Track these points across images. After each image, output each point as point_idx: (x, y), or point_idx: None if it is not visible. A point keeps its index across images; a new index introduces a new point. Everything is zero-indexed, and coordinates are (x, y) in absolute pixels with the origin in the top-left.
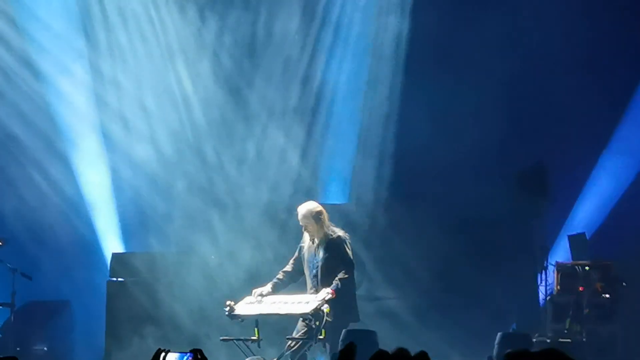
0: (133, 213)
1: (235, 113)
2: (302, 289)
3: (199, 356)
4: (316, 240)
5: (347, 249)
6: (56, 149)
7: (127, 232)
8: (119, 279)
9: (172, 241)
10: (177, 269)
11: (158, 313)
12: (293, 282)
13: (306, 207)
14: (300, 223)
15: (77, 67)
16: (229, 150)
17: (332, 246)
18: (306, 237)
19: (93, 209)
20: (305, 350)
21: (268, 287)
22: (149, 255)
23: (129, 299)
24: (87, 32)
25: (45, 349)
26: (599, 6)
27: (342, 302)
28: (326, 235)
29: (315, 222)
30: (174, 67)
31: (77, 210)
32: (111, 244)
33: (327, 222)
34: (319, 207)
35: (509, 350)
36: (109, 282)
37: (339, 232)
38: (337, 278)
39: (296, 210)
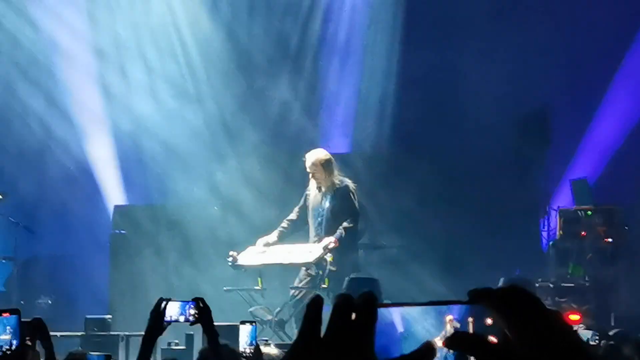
0: (134, 165)
1: (235, 63)
2: (306, 237)
3: (201, 304)
4: (323, 189)
5: (353, 199)
6: (57, 103)
7: (129, 184)
8: (122, 231)
9: (173, 192)
10: (179, 220)
11: (161, 264)
12: (298, 231)
13: (315, 155)
14: (308, 170)
15: (76, 19)
16: (230, 101)
17: (339, 195)
18: (312, 184)
19: (94, 161)
20: (308, 299)
21: (273, 236)
22: (151, 207)
23: (132, 251)
24: None
25: (50, 302)
26: None
27: (345, 251)
28: (333, 184)
29: (324, 169)
30: (173, 17)
31: (78, 163)
32: (113, 196)
33: (335, 170)
34: (328, 155)
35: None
36: (112, 235)
37: (347, 182)
38: (341, 227)
39: (304, 157)
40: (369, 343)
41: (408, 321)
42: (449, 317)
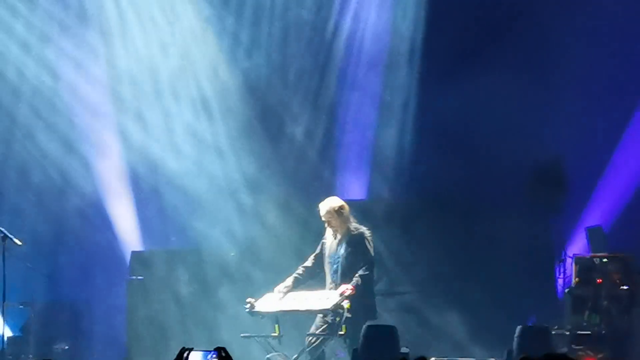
0: (152, 211)
1: (252, 110)
2: (322, 285)
3: (223, 354)
4: (338, 236)
5: (368, 246)
6: (74, 148)
7: (146, 230)
8: (139, 277)
9: (191, 238)
10: (197, 265)
11: (179, 310)
12: (312, 278)
13: (329, 203)
14: (323, 219)
15: (93, 64)
16: (248, 148)
17: (354, 242)
18: (329, 232)
19: (112, 207)
20: (325, 346)
21: (288, 282)
22: (168, 253)
23: (149, 296)
24: (103, 29)
25: (67, 347)
26: None
27: (362, 298)
28: (349, 230)
29: (338, 217)
30: (191, 64)
31: (96, 209)
32: (130, 242)
33: (349, 217)
34: (341, 202)
35: (523, 355)
36: (129, 281)
37: (362, 229)
38: (357, 274)
39: (318, 207)
40: None
41: None
42: None
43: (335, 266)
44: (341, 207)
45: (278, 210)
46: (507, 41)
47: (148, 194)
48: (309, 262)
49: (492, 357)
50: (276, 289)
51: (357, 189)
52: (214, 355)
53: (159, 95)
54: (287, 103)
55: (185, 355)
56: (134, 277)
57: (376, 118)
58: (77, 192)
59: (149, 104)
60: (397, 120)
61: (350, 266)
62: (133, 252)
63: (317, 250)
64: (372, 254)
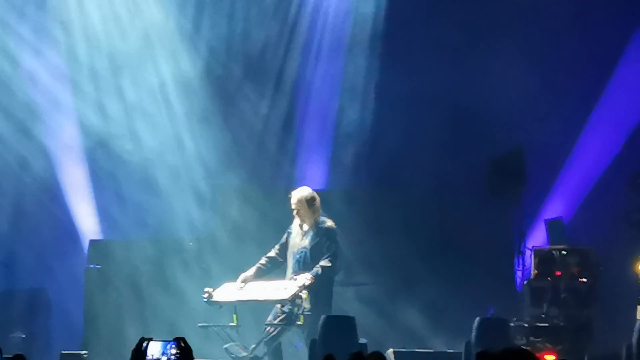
0: (111, 200)
1: (212, 100)
2: (283, 275)
3: (182, 344)
4: (305, 227)
5: (335, 240)
6: (31, 135)
7: (105, 219)
8: (97, 266)
9: (150, 228)
10: (155, 255)
11: (136, 300)
12: (276, 268)
13: (300, 192)
14: (292, 207)
15: (51, 51)
16: (208, 138)
17: (320, 234)
18: (295, 223)
19: (70, 196)
20: (283, 337)
21: (251, 272)
22: (127, 242)
23: (107, 285)
24: (62, 16)
25: (23, 336)
26: None
27: (321, 289)
28: (316, 222)
29: (308, 207)
30: (152, 55)
31: (54, 197)
32: (88, 231)
33: (319, 209)
34: (313, 193)
35: (480, 350)
36: (87, 270)
37: (329, 222)
38: (318, 265)
39: (289, 194)
40: None
41: None
42: None
43: (298, 256)
44: (313, 198)
45: (237, 200)
46: (469, 27)
47: (106, 182)
48: (272, 252)
49: (451, 349)
50: (239, 278)
51: (317, 179)
52: (173, 345)
53: (117, 83)
54: (247, 93)
55: (144, 345)
56: (92, 266)
57: (337, 107)
58: (35, 180)
59: (108, 91)
60: (357, 110)
61: (314, 258)
62: (91, 241)
63: (282, 240)
64: (337, 247)
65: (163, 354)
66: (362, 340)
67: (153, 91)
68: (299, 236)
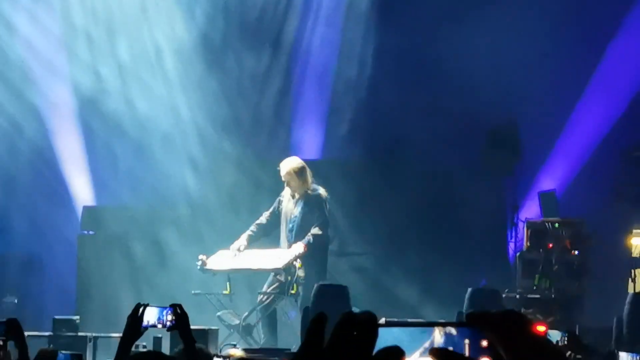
0: (105, 166)
1: (208, 69)
2: (276, 243)
3: (179, 310)
4: (296, 195)
5: (325, 207)
6: (27, 103)
7: (99, 185)
8: (90, 232)
9: (143, 195)
10: (149, 222)
11: (130, 267)
12: (266, 235)
13: (289, 163)
14: (283, 178)
15: (48, 16)
16: (203, 107)
17: (311, 202)
18: (286, 191)
19: (64, 161)
20: (276, 305)
21: (243, 240)
22: (121, 209)
23: (100, 252)
24: None
25: (16, 301)
26: None
27: (314, 257)
28: (307, 191)
29: (298, 178)
30: (146, 17)
31: (48, 162)
32: (82, 197)
33: (309, 178)
34: (302, 163)
35: (470, 310)
36: (80, 235)
37: (320, 190)
38: (310, 233)
39: (278, 165)
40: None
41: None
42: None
43: (290, 225)
44: (302, 168)
45: (231, 168)
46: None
47: (101, 149)
48: (263, 219)
49: (442, 319)
50: (232, 246)
51: (312, 149)
52: (170, 312)
53: (113, 49)
54: (243, 60)
55: (140, 310)
56: (85, 232)
57: (333, 75)
58: (29, 145)
59: (104, 58)
60: (353, 79)
61: (305, 226)
62: (85, 207)
63: (273, 208)
64: (327, 216)
65: (159, 320)
66: (354, 309)
67: (148, 57)
68: (290, 205)
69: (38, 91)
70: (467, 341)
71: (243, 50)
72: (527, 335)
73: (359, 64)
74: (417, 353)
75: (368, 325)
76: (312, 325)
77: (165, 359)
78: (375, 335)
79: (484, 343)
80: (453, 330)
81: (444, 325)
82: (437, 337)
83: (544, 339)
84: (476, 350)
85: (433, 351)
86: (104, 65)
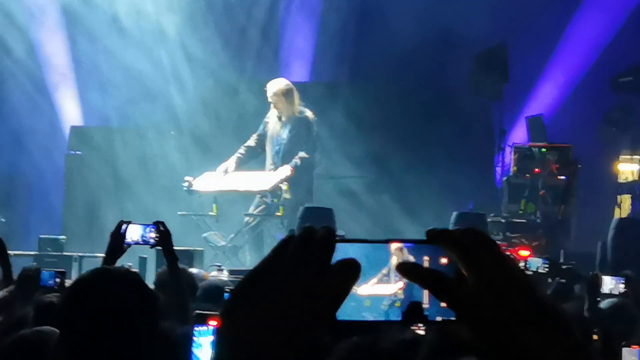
0: (93, 86)
1: None
2: (262, 166)
3: (162, 228)
4: (283, 118)
5: (312, 130)
6: (16, 22)
7: (86, 105)
8: (77, 152)
9: (131, 116)
10: (136, 143)
11: (116, 187)
12: (255, 157)
13: (276, 85)
14: (269, 100)
15: None
16: (189, 26)
17: (297, 125)
18: (272, 112)
19: (52, 81)
20: (262, 227)
21: (231, 162)
22: (108, 129)
23: (87, 172)
24: None
25: (3, 220)
26: None
27: (300, 180)
28: (294, 113)
29: (285, 99)
30: None
31: (36, 82)
32: (70, 117)
33: (296, 100)
34: (290, 85)
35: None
36: (67, 155)
37: (307, 113)
38: (297, 156)
39: (265, 87)
40: (325, 275)
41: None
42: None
43: (277, 147)
44: (289, 90)
45: (219, 91)
46: None
47: (89, 69)
48: (251, 142)
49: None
50: (218, 168)
51: (301, 71)
52: (152, 229)
53: None
54: None
55: (123, 227)
56: (73, 152)
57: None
58: (16, 65)
59: None
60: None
61: (292, 149)
62: (72, 127)
63: (260, 130)
64: (315, 138)
65: (142, 237)
66: (340, 232)
67: None
68: (277, 127)
69: (27, 12)
70: (426, 258)
71: None
72: (490, 255)
73: None
74: (375, 279)
75: (325, 241)
76: (281, 243)
77: (113, 275)
78: (332, 251)
79: (443, 260)
80: (411, 257)
81: (402, 241)
82: (395, 261)
83: (508, 259)
84: (435, 267)
85: (399, 266)
86: None
